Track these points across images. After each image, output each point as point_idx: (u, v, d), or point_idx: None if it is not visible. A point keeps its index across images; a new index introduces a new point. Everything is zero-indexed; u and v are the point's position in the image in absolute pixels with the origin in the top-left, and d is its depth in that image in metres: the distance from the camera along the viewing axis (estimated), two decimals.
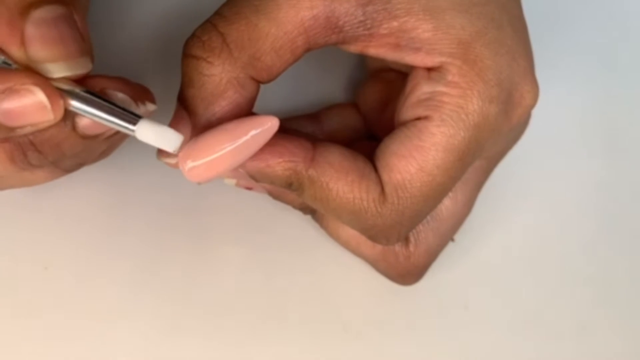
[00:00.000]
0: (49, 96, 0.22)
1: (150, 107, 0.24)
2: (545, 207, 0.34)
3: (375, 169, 0.25)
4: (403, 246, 0.29)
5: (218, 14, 0.23)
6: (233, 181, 0.28)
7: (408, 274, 0.30)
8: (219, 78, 0.23)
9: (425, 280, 0.30)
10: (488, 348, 0.32)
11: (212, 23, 0.23)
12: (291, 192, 0.25)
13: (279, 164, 0.24)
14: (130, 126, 0.22)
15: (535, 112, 0.29)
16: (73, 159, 0.25)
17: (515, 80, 0.25)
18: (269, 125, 0.23)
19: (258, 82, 0.24)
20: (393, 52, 0.24)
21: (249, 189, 0.28)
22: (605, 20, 0.36)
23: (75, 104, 0.22)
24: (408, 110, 0.25)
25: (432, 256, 0.30)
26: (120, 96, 0.23)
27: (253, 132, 0.23)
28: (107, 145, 0.25)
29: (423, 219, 0.26)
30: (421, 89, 0.25)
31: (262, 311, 0.31)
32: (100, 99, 0.22)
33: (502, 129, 0.25)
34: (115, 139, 0.25)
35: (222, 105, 0.24)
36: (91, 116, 0.22)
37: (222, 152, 0.23)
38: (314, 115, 0.32)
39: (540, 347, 0.32)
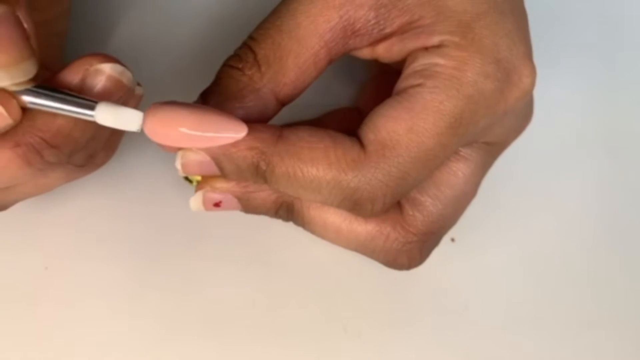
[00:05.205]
0: (1, 102, 0.21)
1: (138, 90, 0.24)
2: (545, 207, 0.34)
3: (359, 135, 0.25)
4: (397, 212, 0.28)
5: (250, 36, 0.25)
6: (200, 207, 0.27)
7: (408, 246, 0.28)
8: (243, 84, 0.24)
9: (425, 281, 0.30)
10: (488, 348, 0.32)
11: (246, 43, 0.25)
12: (259, 180, 0.24)
13: (245, 142, 0.23)
14: (89, 112, 0.22)
15: (535, 112, 0.29)
16: (84, 150, 0.25)
17: (513, 62, 0.25)
18: (236, 133, 0.23)
19: (280, 102, 0.25)
20: (399, 43, 0.25)
21: (217, 206, 0.27)
22: (605, 20, 0.36)
23: (30, 100, 0.22)
24: (402, 81, 0.25)
25: (431, 225, 0.28)
26: (109, 67, 0.23)
27: (216, 134, 0.23)
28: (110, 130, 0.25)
29: (412, 184, 0.25)
30: (418, 62, 0.25)
31: (262, 311, 0.31)
32: (52, 90, 0.22)
33: (497, 107, 0.25)
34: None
35: (235, 106, 0.24)
36: (50, 109, 0.22)
37: (179, 133, 0.23)
38: (316, 121, 0.32)
39: (540, 347, 0.32)
